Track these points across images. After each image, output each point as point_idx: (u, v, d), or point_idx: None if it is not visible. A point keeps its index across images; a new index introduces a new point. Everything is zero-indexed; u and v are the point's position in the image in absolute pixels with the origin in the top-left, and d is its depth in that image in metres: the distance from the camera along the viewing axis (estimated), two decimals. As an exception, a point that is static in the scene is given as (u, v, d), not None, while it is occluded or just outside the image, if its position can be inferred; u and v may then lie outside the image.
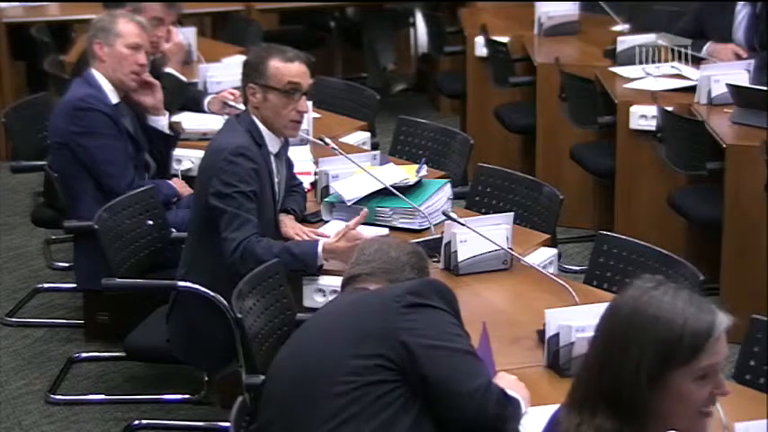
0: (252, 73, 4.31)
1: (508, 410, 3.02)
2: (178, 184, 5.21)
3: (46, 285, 6.01)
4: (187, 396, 4.90)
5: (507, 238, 4.12)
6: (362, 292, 3.24)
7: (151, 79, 5.18)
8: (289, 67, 4.28)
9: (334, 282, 3.98)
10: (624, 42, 6.58)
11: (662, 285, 2.46)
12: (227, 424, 3.24)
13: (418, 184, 4.54)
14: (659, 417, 2.40)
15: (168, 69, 5.80)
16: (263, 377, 3.49)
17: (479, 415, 2.98)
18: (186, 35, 6.61)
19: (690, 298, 2.44)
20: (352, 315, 3.11)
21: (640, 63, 6.46)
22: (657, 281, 2.48)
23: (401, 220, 4.41)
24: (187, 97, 5.82)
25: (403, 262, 3.28)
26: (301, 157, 4.96)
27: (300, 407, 3.02)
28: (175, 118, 5.47)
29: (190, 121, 5.62)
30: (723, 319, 2.42)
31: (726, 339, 2.43)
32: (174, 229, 4.89)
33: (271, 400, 3.14)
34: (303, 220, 4.50)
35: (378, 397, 2.95)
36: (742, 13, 6.53)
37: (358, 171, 4.58)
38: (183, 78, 5.87)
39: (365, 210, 4.26)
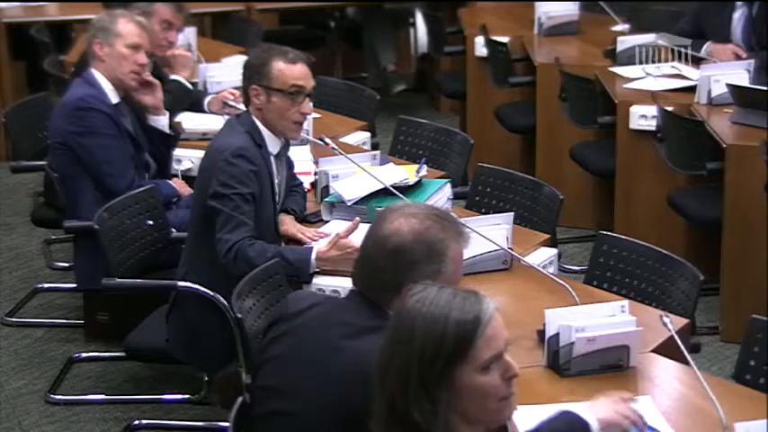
0: (254, 75, 4.29)
1: None
2: (178, 184, 5.21)
3: (46, 285, 6.01)
4: (187, 396, 4.90)
5: (507, 238, 4.12)
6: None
7: (151, 79, 5.18)
8: (292, 69, 4.27)
9: (332, 282, 3.98)
10: (624, 42, 6.58)
11: (427, 288, 2.39)
12: (227, 424, 3.25)
13: (418, 184, 4.54)
14: (462, 415, 2.35)
15: (174, 76, 5.79)
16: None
17: None
18: (186, 35, 6.61)
19: (454, 293, 2.37)
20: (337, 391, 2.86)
21: (640, 63, 6.46)
22: (425, 285, 2.41)
23: (401, 220, 4.40)
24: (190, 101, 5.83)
25: (391, 270, 2.89)
26: (301, 157, 4.95)
27: None
28: (176, 118, 5.48)
29: (190, 121, 5.62)
30: (490, 305, 2.36)
31: (501, 325, 2.37)
32: (174, 229, 4.90)
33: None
34: (303, 220, 4.50)
35: None
36: (738, 13, 6.52)
37: (358, 171, 4.58)
38: (189, 85, 5.86)
39: (357, 218, 4.23)
